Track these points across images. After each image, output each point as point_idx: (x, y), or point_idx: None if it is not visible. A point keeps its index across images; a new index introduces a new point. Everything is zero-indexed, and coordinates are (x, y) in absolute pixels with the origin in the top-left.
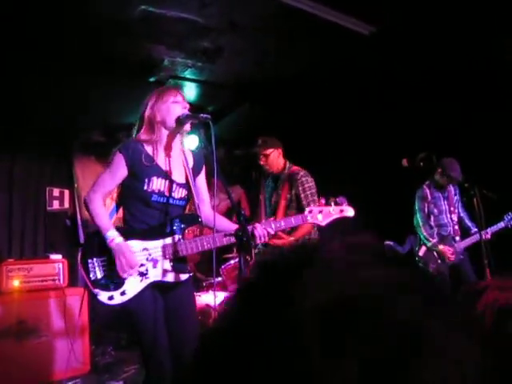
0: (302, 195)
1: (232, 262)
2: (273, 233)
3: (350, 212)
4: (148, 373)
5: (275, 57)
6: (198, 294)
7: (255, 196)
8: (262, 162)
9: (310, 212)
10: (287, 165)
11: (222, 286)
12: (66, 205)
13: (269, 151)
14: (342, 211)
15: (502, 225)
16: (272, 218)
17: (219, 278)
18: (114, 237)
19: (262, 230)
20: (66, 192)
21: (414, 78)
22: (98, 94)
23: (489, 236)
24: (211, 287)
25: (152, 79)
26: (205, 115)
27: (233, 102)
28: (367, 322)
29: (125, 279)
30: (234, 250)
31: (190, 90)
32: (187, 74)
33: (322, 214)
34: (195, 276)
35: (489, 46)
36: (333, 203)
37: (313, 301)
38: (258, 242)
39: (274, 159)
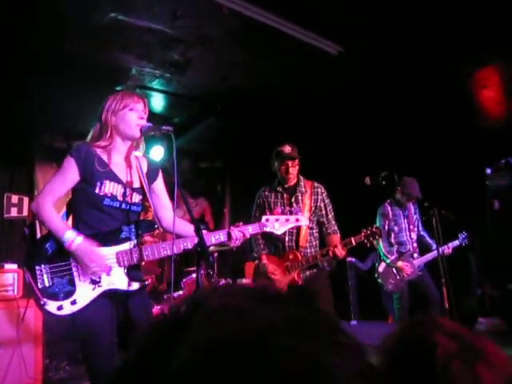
0: (329, 207)
1: (193, 275)
2: (248, 236)
3: (304, 221)
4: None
5: (243, 71)
6: (158, 307)
7: (219, 209)
8: (292, 170)
9: (267, 220)
10: (300, 176)
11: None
12: (25, 212)
13: (298, 160)
14: (297, 220)
15: (456, 243)
16: (240, 224)
17: (180, 292)
18: (72, 238)
19: (238, 233)
20: (26, 199)
21: (379, 99)
22: (61, 100)
23: (450, 250)
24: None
25: (119, 88)
26: (167, 127)
27: (199, 114)
28: (250, 359)
29: (75, 287)
30: (204, 260)
31: (157, 101)
32: (155, 84)
33: (279, 222)
34: (156, 289)
35: (451, 70)
36: (288, 212)
37: (192, 343)
38: (233, 244)
39: (298, 169)
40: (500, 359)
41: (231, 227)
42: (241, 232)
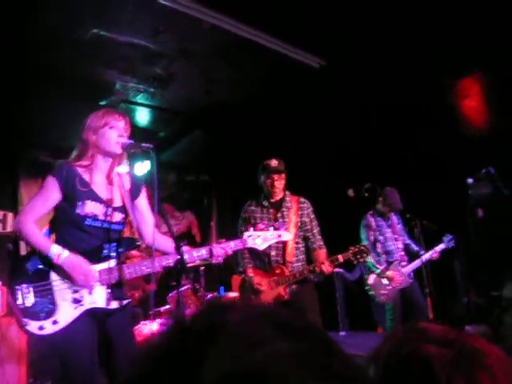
0: (314, 222)
1: (181, 289)
2: (230, 253)
3: (287, 236)
4: None
5: (225, 85)
6: (145, 322)
7: (206, 222)
8: (277, 184)
9: (249, 237)
10: (286, 191)
11: (170, 314)
12: (9, 228)
13: (284, 174)
14: (279, 236)
15: (442, 246)
16: (223, 240)
17: (167, 306)
18: (59, 252)
19: (220, 250)
20: (10, 215)
21: (360, 110)
22: (46, 114)
23: (437, 255)
24: (157, 316)
25: (103, 102)
26: (147, 144)
27: (184, 128)
28: None
29: (57, 307)
30: (183, 277)
31: (142, 115)
32: (139, 98)
33: (261, 238)
34: (144, 300)
35: (433, 81)
36: (271, 228)
37: (220, 369)
38: (215, 261)
39: (284, 183)
40: (501, 363)
41: (213, 244)
42: (223, 249)
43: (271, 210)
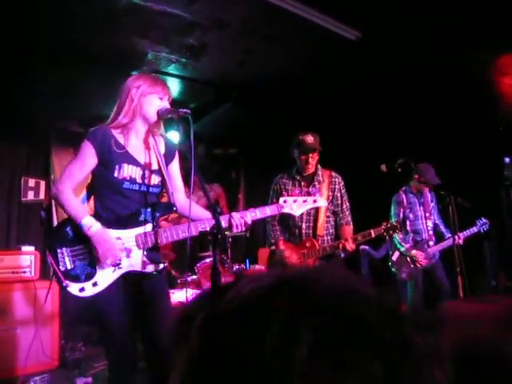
0: (345, 197)
1: (208, 260)
2: (250, 222)
3: (322, 202)
4: (110, 362)
5: (260, 57)
6: (172, 291)
7: (234, 195)
8: (312, 161)
9: (285, 202)
10: (318, 165)
11: (197, 284)
12: (42, 196)
13: (318, 150)
14: (315, 201)
15: (474, 229)
16: (251, 209)
17: (194, 276)
18: (90, 224)
19: (238, 219)
20: (42, 183)
21: (396, 85)
22: (78, 84)
23: (461, 241)
24: (185, 285)
25: (134, 72)
26: (184, 110)
27: (215, 100)
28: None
29: (96, 270)
30: (211, 248)
31: (173, 86)
32: (171, 69)
33: (297, 203)
34: (170, 273)
35: (470, 57)
36: (306, 193)
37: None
38: (235, 230)
39: (318, 158)
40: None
41: (231, 213)
42: (242, 218)
43: (303, 184)
